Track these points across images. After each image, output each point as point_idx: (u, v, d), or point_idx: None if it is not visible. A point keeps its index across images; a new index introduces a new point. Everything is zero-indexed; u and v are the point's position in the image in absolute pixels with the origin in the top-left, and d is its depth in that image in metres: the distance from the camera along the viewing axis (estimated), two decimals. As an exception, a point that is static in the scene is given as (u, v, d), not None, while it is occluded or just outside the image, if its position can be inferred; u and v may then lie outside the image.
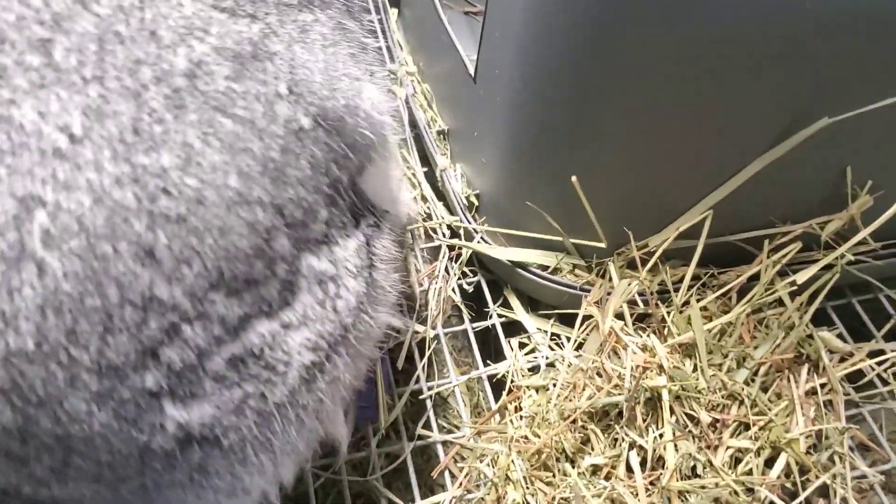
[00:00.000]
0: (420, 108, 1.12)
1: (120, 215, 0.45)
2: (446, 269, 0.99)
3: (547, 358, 0.91)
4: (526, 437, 0.82)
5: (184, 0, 0.50)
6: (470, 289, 1.00)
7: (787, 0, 0.68)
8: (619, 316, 0.87)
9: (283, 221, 0.52)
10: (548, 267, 0.94)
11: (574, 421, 0.81)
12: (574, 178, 0.82)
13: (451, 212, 1.03)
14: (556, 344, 0.93)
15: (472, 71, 0.93)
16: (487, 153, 0.94)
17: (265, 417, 0.53)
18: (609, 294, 0.88)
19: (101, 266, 0.45)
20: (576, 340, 0.90)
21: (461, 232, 1.01)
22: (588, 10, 0.70)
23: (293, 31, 0.56)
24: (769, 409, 0.81)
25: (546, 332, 0.94)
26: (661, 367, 0.80)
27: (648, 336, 0.84)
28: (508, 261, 0.94)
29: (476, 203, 1.00)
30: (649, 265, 0.87)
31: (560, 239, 0.91)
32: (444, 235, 1.02)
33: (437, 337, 0.95)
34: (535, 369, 0.91)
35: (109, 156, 0.45)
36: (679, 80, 0.75)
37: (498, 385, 0.91)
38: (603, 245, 0.88)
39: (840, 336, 0.92)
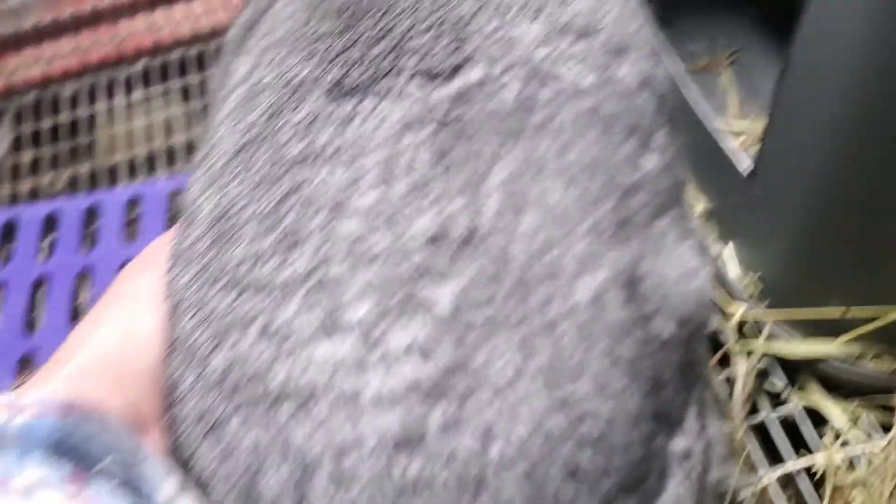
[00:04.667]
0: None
1: (551, 441, 0.50)
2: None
3: (865, 453, 0.88)
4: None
5: (578, 231, 0.53)
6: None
7: None
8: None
9: (662, 427, 0.55)
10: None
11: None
12: None
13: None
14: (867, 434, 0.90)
15: (740, 167, 0.90)
16: (771, 231, 0.92)
17: None
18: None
19: (538, 488, 0.49)
20: (897, 434, 0.86)
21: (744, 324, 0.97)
22: None
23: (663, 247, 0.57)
24: None
25: (855, 420, 0.91)
26: None
27: None
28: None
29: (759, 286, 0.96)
30: None
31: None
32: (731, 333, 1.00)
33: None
34: (850, 462, 0.89)
35: (542, 386, 0.49)
36: None
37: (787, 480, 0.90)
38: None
39: None
